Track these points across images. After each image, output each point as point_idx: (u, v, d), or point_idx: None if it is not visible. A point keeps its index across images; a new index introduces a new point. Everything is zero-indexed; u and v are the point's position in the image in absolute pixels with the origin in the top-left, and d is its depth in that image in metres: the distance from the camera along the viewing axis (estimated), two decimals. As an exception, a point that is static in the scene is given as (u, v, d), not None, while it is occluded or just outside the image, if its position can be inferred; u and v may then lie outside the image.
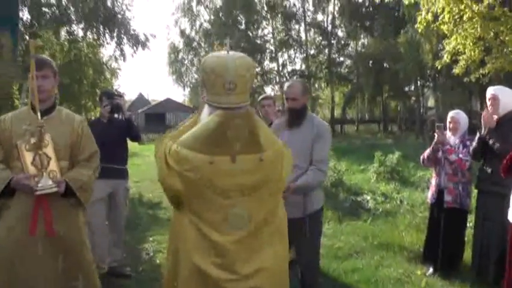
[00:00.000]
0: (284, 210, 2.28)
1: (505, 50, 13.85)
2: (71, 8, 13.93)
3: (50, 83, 2.89)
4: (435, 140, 4.77)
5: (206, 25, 37.35)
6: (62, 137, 2.86)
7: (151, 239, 6.28)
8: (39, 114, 2.70)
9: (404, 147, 15.77)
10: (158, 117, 47.69)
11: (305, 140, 3.47)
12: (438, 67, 15.11)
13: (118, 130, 4.69)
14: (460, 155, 4.59)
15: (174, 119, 45.17)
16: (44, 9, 13.43)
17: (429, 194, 4.99)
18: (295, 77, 35.44)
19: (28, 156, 2.68)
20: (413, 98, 33.81)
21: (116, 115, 4.77)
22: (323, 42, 37.04)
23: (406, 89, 33.58)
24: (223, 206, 2.00)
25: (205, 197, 2.00)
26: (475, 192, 4.67)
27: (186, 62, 39.47)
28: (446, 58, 14.21)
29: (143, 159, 18.65)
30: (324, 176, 3.65)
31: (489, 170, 4.27)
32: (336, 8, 35.80)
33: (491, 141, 4.19)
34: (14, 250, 2.70)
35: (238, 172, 1.99)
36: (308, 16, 36.56)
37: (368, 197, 8.75)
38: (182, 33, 38.19)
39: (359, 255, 5.52)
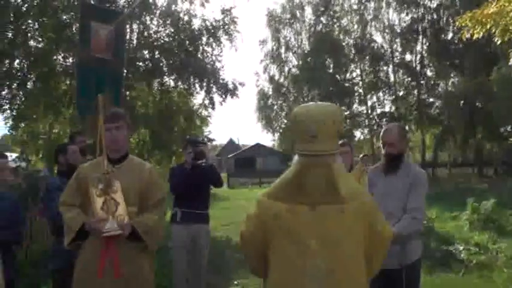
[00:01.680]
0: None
1: None
2: (164, 60, 14.76)
3: (123, 133, 3.11)
4: None
5: (294, 70, 38.04)
6: (131, 184, 3.04)
7: (236, 282, 6.34)
8: (105, 161, 2.93)
9: (501, 192, 14.81)
10: (248, 162, 48.59)
11: (401, 187, 3.39)
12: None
13: (200, 176, 4.89)
14: None
15: (264, 164, 45.78)
16: (138, 63, 14.35)
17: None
18: (384, 120, 34.81)
19: (98, 201, 2.88)
20: (510, 139, 31.87)
21: (199, 161, 4.98)
22: (411, 83, 36.27)
23: (502, 129, 31.76)
24: (301, 257, 2.00)
25: (284, 250, 2.02)
26: None
27: (275, 107, 40.16)
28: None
29: (232, 203, 19.03)
30: (420, 224, 3.50)
31: None
32: (425, 47, 35.11)
33: None
34: None
35: (318, 222, 2.00)
36: (396, 57, 36.09)
37: (461, 247, 8.27)
38: (271, 79, 39.15)
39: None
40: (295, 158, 2.14)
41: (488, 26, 12.02)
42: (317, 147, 2.03)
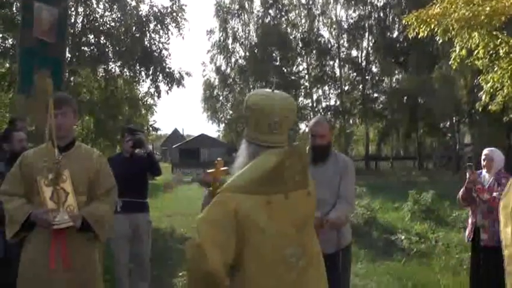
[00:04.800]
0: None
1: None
2: (109, 46, 14.38)
3: (69, 120, 2.98)
4: (467, 180, 4.68)
5: (241, 61, 38.03)
6: (80, 173, 2.92)
7: (180, 273, 6.26)
8: (56, 150, 2.78)
9: (440, 185, 15.42)
10: (193, 153, 48.32)
11: (332, 175, 3.50)
12: (477, 107, 14.86)
13: (139, 165, 4.78)
14: (494, 194, 4.48)
15: (208, 155, 45.65)
16: (83, 48, 13.91)
17: (466, 232, 4.88)
18: (329, 113, 35.46)
19: (47, 191, 2.75)
20: (449, 135, 33.25)
21: (137, 150, 4.87)
22: (357, 78, 37.08)
23: (441, 125, 33.08)
24: (280, 246, 1.97)
25: (262, 242, 1.95)
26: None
27: (221, 98, 40.04)
28: (485, 98, 14.02)
29: (176, 194, 18.80)
30: (353, 209, 3.72)
31: None
32: (371, 44, 35.95)
33: None
34: (34, 282, 2.78)
35: (292, 208, 1.99)
36: (342, 52, 36.78)
37: (402, 237, 8.54)
38: (218, 70, 38.93)
39: (392, 297, 5.38)
40: (244, 146, 2.09)
41: (432, 26, 12.43)
42: (280, 139, 2.03)
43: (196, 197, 15.98)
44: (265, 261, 1.96)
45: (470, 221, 4.81)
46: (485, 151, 4.83)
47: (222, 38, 38.24)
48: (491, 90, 13.61)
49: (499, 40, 12.65)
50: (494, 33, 12.61)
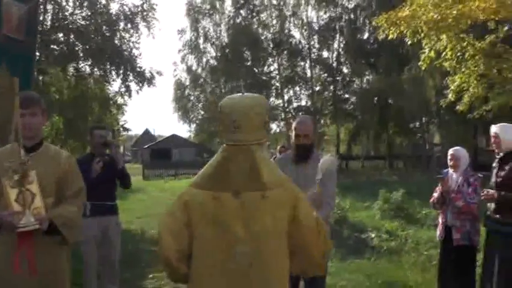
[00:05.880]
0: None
1: (507, 86, 13.99)
2: (79, 45, 14.17)
3: (37, 120, 2.89)
4: (440, 190, 4.78)
5: (212, 62, 37.89)
6: (48, 174, 2.84)
7: (150, 275, 6.20)
8: (22, 151, 2.68)
9: (410, 184, 15.66)
10: (164, 153, 47.96)
11: (314, 175, 3.42)
12: (441, 103, 15.19)
13: (108, 168, 4.71)
14: (468, 199, 4.58)
15: (179, 155, 45.35)
16: (52, 46, 13.67)
17: (438, 231, 4.97)
18: (300, 113, 35.60)
19: (12, 193, 2.64)
20: (419, 135, 33.83)
21: (105, 150, 4.83)
22: (328, 79, 37.34)
23: (411, 125, 33.62)
24: (228, 244, 1.99)
25: (208, 237, 2.02)
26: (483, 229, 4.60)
27: (192, 98, 39.80)
28: (450, 97, 14.32)
29: (147, 195, 18.61)
30: (332, 210, 3.72)
31: (492, 207, 4.25)
32: (342, 45, 36.26)
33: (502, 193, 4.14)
34: None
35: (242, 209, 1.99)
36: (313, 53, 36.98)
37: (373, 235, 8.65)
38: (189, 69, 38.68)
39: (363, 294, 5.44)
40: (222, 147, 2.16)
41: (401, 28, 12.65)
42: (240, 137, 2.06)
43: (168, 198, 15.88)
44: (211, 256, 2.01)
45: (441, 220, 4.90)
46: (451, 151, 4.93)
47: (193, 37, 38.01)
48: (458, 89, 13.96)
49: (466, 42, 12.98)
50: (461, 35, 12.94)
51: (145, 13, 14.97)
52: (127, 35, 14.88)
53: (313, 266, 2.17)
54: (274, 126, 37.44)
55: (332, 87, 36.72)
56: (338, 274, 6.18)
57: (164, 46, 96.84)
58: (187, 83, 39.31)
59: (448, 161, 4.91)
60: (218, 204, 2.00)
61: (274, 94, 37.46)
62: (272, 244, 2.02)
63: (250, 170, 2.02)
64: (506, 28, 13.10)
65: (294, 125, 3.76)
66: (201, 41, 38.01)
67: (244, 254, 1.98)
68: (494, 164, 4.38)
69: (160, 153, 48.31)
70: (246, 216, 2.00)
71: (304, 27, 36.42)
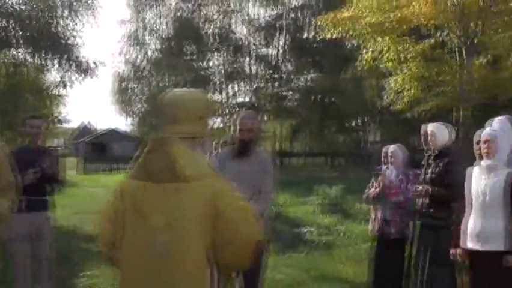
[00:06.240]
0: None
1: (442, 88, 14.64)
2: (17, 31, 13.54)
3: None
4: (379, 187, 4.91)
5: (156, 54, 37.16)
6: None
7: (81, 274, 6.03)
8: None
9: (349, 180, 16.01)
10: (103, 147, 46.90)
11: (255, 171, 3.53)
12: (378, 104, 15.70)
13: (42, 176, 4.50)
14: (407, 195, 4.75)
15: (119, 149, 44.37)
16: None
17: (371, 226, 5.13)
18: (243, 109, 35.61)
19: None
20: (360, 132, 34.69)
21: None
22: (270, 76, 37.51)
23: (352, 123, 34.40)
24: (148, 233, 2.01)
25: (133, 226, 2.05)
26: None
27: (135, 90, 38.84)
28: (390, 96, 14.80)
29: (83, 190, 18.07)
30: (272, 204, 3.88)
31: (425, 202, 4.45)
32: (285, 43, 36.53)
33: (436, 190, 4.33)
34: None
35: (163, 199, 2.02)
36: (256, 50, 37.04)
37: (310, 229, 8.79)
38: (129, 61, 37.73)
39: (298, 287, 5.50)
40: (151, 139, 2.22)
41: (343, 28, 12.97)
42: (174, 130, 2.11)
43: (104, 192, 15.46)
44: (134, 244, 2.05)
45: (377, 215, 5.03)
46: (391, 148, 5.10)
47: (135, 29, 37.15)
48: (398, 90, 14.48)
49: (407, 45, 13.48)
50: (403, 38, 13.43)
51: (85, 1, 14.49)
52: (68, 23, 14.34)
53: (238, 258, 2.13)
54: (215, 122, 37.19)
55: (274, 84, 36.92)
56: (275, 268, 6.23)
57: (106, 36, 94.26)
58: (128, 75, 38.33)
59: (388, 158, 5.07)
60: (143, 193, 2.05)
61: (216, 89, 37.23)
62: (191, 235, 2.01)
63: (169, 163, 2.03)
64: (445, 33, 13.72)
65: (238, 119, 3.73)
66: (143, 32, 37.19)
67: (164, 243, 1.98)
68: (426, 162, 4.57)
69: (99, 147, 47.18)
70: (165, 206, 2.02)
71: (248, 23, 36.47)
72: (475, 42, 12.73)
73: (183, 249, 2.01)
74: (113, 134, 49.55)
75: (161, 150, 2.08)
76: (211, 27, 36.11)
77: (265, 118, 37.92)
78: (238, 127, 3.66)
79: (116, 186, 2.23)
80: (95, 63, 15.00)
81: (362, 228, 8.47)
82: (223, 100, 36.68)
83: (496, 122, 3.84)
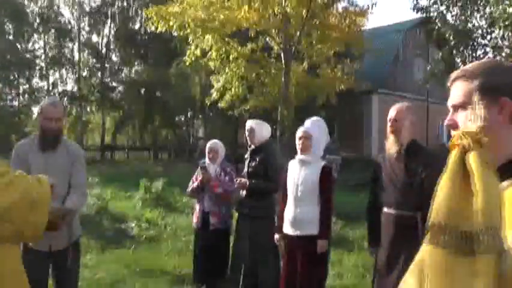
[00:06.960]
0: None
1: (264, 89, 15.69)
2: None
3: None
4: (200, 179, 5.14)
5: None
6: None
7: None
8: None
9: (173, 174, 16.20)
10: None
11: (65, 163, 3.36)
12: (206, 101, 16.23)
13: None
14: (226, 187, 5.05)
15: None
16: None
17: (195, 218, 5.28)
18: (65, 98, 33.53)
19: None
20: (184, 128, 35.05)
21: None
22: (96, 65, 35.92)
23: (177, 118, 34.59)
24: None
25: None
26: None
27: None
28: (214, 95, 15.36)
29: None
30: (86, 200, 3.65)
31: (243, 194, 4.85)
32: (112, 32, 35.27)
33: None
34: None
35: None
36: (83, 36, 35.22)
37: (133, 224, 8.73)
38: None
39: (121, 284, 5.45)
40: None
41: (170, 23, 13.04)
42: None
43: None
44: None
45: (198, 207, 5.22)
46: (209, 144, 5.37)
47: None
48: (222, 89, 15.09)
49: (230, 46, 14.07)
50: (227, 39, 13.98)
51: None
52: None
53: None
54: (36, 110, 34.31)
55: (99, 74, 35.46)
56: (96, 266, 6.11)
57: None
58: None
59: (207, 154, 5.32)
60: None
61: (38, 75, 34.45)
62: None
63: None
64: (265, 38, 14.67)
65: (43, 107, 3.40)
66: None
67: None
68: (246, 156, 4.95)
69: None
70: None
71: (75, 6, 34.46)
72: (293, 50, 13.86)
73: None
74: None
75: None
76: (35, 5, 33.34)
77: (89, 109, 36.37)
78: (43, 115, 3.37)
79: None
80: None
81: (187, 220, 8.68)
82: (46, 88, 34.12)
83: (310, 122, 4.37)
